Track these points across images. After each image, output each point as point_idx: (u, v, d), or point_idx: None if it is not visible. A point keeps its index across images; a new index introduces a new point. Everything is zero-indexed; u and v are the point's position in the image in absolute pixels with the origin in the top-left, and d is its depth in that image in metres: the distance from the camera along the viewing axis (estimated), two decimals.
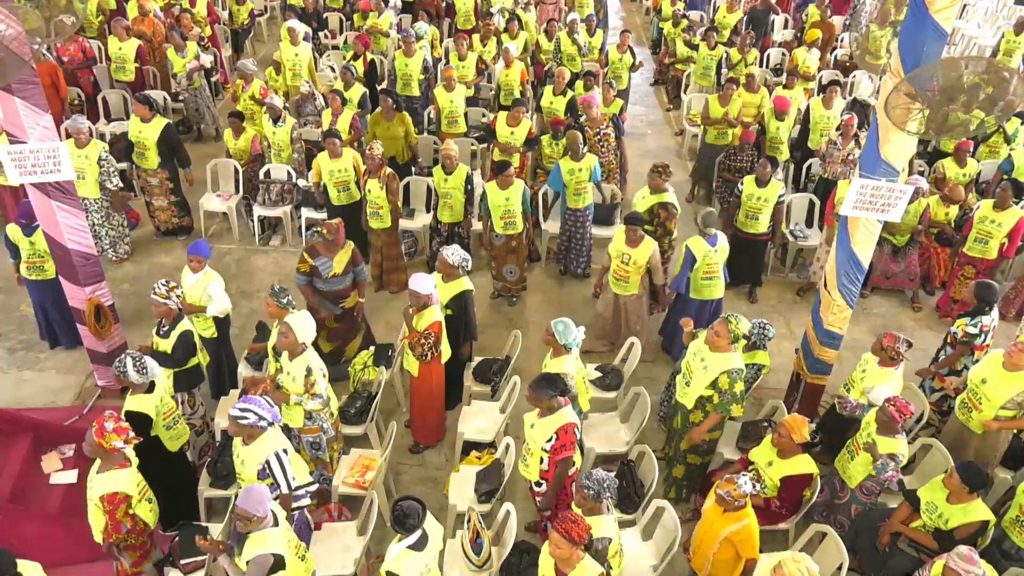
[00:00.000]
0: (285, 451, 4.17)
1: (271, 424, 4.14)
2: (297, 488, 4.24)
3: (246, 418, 4.04)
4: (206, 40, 10.34)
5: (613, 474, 3.99)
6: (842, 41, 11.77)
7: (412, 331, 5.22)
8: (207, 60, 9.50)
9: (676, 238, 6.87)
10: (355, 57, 9.43)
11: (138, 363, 4.46)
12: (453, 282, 5.53)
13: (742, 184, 7.02)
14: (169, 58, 9.46)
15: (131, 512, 4.10)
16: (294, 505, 4.26)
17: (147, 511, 4.22)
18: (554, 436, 4.33)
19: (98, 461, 4.10)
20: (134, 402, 4.51)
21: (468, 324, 5.63)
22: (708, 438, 5.08)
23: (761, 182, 6.86)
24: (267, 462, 4.08)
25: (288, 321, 4.62)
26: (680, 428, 5.16)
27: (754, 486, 4.06)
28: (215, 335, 5.69)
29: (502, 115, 7.94)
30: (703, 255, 5.97)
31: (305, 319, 4.70)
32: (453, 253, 5.48)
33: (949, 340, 5.72)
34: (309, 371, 4.62)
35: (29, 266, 6.09)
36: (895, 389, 4.93)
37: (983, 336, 5.52)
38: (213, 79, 10.16)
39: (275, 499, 4.12)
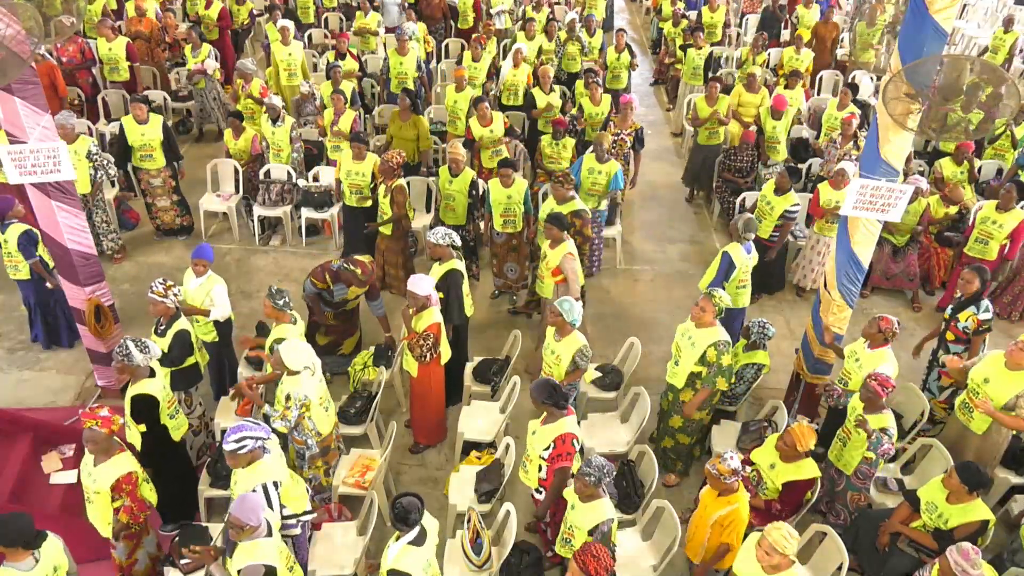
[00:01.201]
0: (276, 484, 4.08)
1: (267, 441, 4.07)
2: (288, 517, 4.18)
3: (244, 446, 3.96)
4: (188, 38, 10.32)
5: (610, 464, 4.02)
6: (842, 41, 11.77)
7: (411, 332, 5.23)
8: (211, 66, 9.50)
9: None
10: (341, 56, 9.44)
11: (140, 344, 4.47)
12: (444, 263, 5.60)
13: (764, 188, 7.04)
14: (185, 55, 9.52)
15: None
16: (283, 533, 4.20)
17: (148, 491, 4.28)
18: (551, 444, 4.34)
19: (90, 457, 4.11)
20: (139, 387, 4.52)
21: (450, 304, 5.59)
22: (698, 418, 5.16)
23: (779, 190, 6.87)
24: (254, 491, 3.99)
25: (280, 350, 4.53)
26: (668, 409, 5.27)
27: (743, 467, 4.08)
28: (216, 339, 5.69)
29: (472, 121, 7.89)
30: (742, 262, 5.88)
31: (297, 350, 4.58)
32: (434, 232, 5.59)
33: (954, 337, 5.62)
34: (288, 397, 4.54)
35: (7, 264, 6.11)
36: (894, 367, 4.95)
37: (993, 317, 5.53)
38: (215, 80, 10.17)
39: None
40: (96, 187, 7.20)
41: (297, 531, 4.32)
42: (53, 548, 3.75)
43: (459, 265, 5.63)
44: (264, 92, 8.51)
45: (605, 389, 5.75)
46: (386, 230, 6.95)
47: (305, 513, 4.31)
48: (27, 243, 5.90)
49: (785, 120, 8.32)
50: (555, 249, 5.90)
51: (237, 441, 3.95)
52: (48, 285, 6.08)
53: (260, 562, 3.59)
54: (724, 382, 4.98)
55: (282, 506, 4.12)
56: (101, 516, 4.17)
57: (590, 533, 3.93)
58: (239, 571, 3.59)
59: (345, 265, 5.73)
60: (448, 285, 5.56)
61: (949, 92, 3.84)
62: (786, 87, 8.95)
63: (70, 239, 5.40)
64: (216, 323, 5.62)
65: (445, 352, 5.41)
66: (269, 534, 3.71)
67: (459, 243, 5.71)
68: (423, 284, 5.13)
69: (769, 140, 8.38)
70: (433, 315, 5.17)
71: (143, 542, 4.43)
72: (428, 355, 5.18)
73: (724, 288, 5.91)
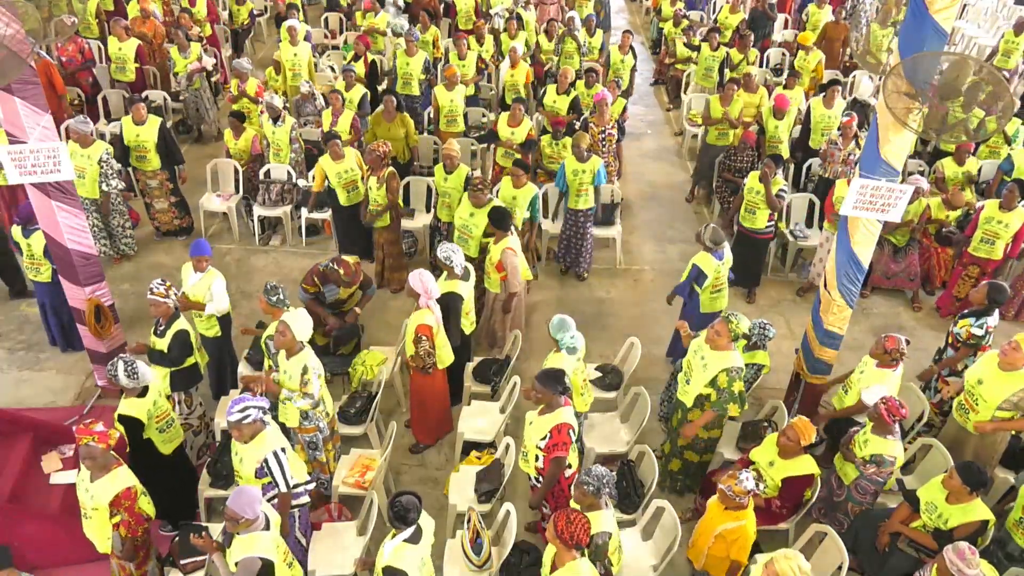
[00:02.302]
0: (283, 449, 4.16)
1: (267, 412, 4.13)
2: (295, 487, 4.24)
3: (248, 416, 4.01)
4: (205, 41, 10.34)
5: (613, 473, 4.00)
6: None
7: (408, 358, 5.25)
8: (209, 62, 9.50)
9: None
10: (356, 58, 9.44)
11: (129, 368, 4.46)
12: (448, 281, 5.58)
13: (748, 179, 7.04)
14: (172, 57, 9.46)
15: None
16: (293, 503, 4.26)
17: (147, 503, 4.26)
18: (548, 434, 4.34)
19: (87, 472, 4.10)
20: (126, 406, 4.53)
21: (449, 327, 5.54)
22: (706, 436, 5.10)
23: (764, 179, 6.86)
24: (265, 460, 4.08)
25: (285, 320, 4.62)
26: (678, 426, 5.21)
27: (757, 484, 4.06)
28: (219, 334, 5.70)
29: (503, 116, 8.00)
30: (713, 270, 5.86)
31: (302, 317, 4.70)
32: (441, 250, 5.57)
33: (951, 341, 5.70)
34: (305, 370, 4.62)
35: (28, 266, 6.12)
36: (892, 390, 4.93)
37: (988, 337, 5.52)
38: (213, 79, 10.18)
39: (272, 498, 4.12)
40: (106, 196, 7.21)
41: (306, 499, 4.36)
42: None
43: (461, 288, 5.58)
44: (260, 91, 8.50)
45: (605, 389, 5.75)
46: (384, 221, 6.95)
47: (308, 482, 4.35)
48: None
49: (787, 120, 8.31)
50: (497, 244, 5.97)
51: (241, 411, 3.99)
52: None
53: (257, 555, 3.60)
54: (736, 408, 4.91)
55: (292, 474, 4.17)
56: (99, 532, 4.15)
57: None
58: (236, 563, 3.60)
59: (331, 265, 5.74)
60: (447, 306, 5.53)
61: (947, 92, 3.84)
62: (785, 87, 8.95)
63: (70, 239, 5.40)
64: (220, 318, 5.62)
65: (446, 356, 5.40)
66: (267, 528, 3.72)
67: (458, 259, 5.63)
68: (416, 279, 5.15)
69: (771, 140, 8.37)
70: (425, 316, 5.16)
71: (151, 553, 4.43)
72: (428, 360, 5.18)
73: (700, 293, 5.96)
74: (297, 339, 4.62)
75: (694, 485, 5.41)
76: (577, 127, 8.75)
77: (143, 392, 4.56)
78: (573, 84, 9.04)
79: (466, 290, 5.65)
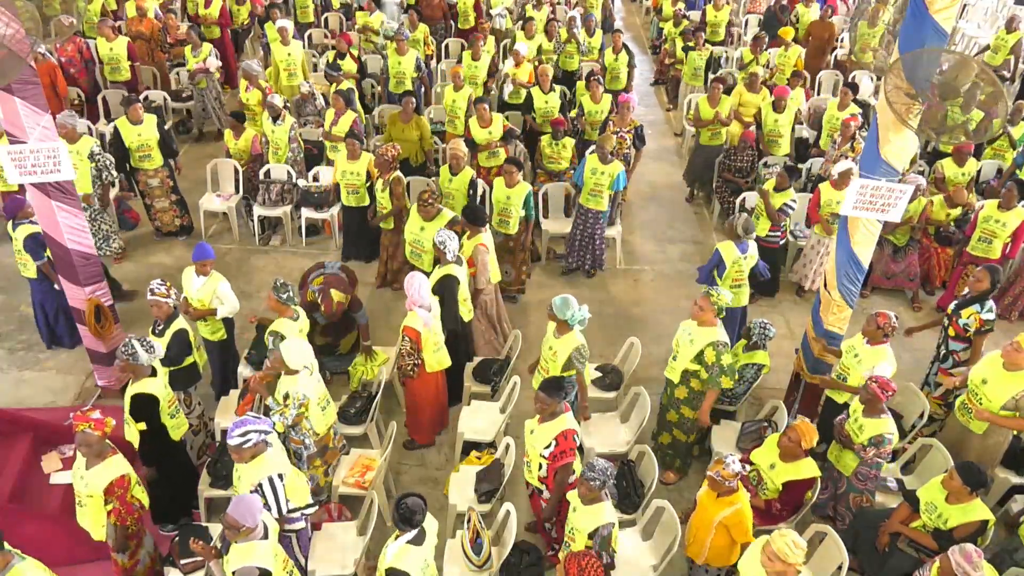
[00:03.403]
0: (281, 476, 4.08)
1: (269, 433, 4.09)
2: (292, 511, 4.17)
3: (249, 440, 3.96)
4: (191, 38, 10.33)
5: (612, 465, 4.02)
6: (842, 41, 11.77)
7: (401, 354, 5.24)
8: (214, 65, 9.50)
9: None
10: (340, 56, 9.45)
11: (145, 344, 4.48)
12: (443, 267, 5.60)
13: (765, 184, 7.05)
14: (185, 56, 9.52)
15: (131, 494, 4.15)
16: (287, 527, 4.22)
17: (141, 492, 4.27)
18: (553, 442, 4.32)
19: (82, 461, 4.11)
20: (140, 385, 4.51)
21: (446, 311, 5.54)
22: (692, 416, 5.17)
23: (778, 188, 6.89)
24: (260, 485, 4.01)
25: (281, 349, 4.53)
26: (666, 402, 5.30)
27: (743, 467, 4.08)
28: (224, 337, 5.69)
29: (472, 121, 7.92)
30: (732, 260, 5.87)
31: (297, 349, 4.57)
32: (438, 236, 5.60)
33: (954, 333, 5.62)
34: (287, 396, 4.53)
35: (18, 261, 6.14)
36: (892, 364, 4.96)
37: (995, 318, 5.51)
38: (215, 79, 10.19)
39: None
40: (106, 188, 7.19)
41: (302, 524, 4.32)
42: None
43: (456, 271, 5.59)
44: (269, 90, 8.49)
45: (605, 389, 5.75)
46: (388, 225, 6.95)
47: (308, 507, 4.30)
48: (34, 245, 5.87)
49: (787, 115, 8.29)
50: (470, 240, 6.02)
51: (242, 435, 3.95)
52: (56, 287, 6.07)
53: (254, 564, 3.57)
54: (728, 380, 4.98)
55: (287, 499, 4.13)
56: (94, 520, 4.15)
57: (590, 536, 3.93)
58: (233, 572, 3.58)
59: (317, 296, 5.72)
60: (444, 290, 5.53)
61: (946, 91, 3.84)
62: (788, 86, 8.93)
63: (70, 239, 5.40)
64: (225, 321, 5.62)
65: (439, 361, 5.36)
66: (265, 536, 3.70)
67: (453, 246, 5.64)
68: (408, 280, 5.16)
69: (770, 134, 8.36)
70: (412, 319, 5.13)
71: (143, 542, 4.43)
72: (412, 370, 5.16)
73: (720, 285, 5.93)
74: (290, 368, 4.52)
75: (683, 465, 5.50)
76: (580, 128, 8.74)
77: (153, 373, 4.57)
78: (566, 82, 9.03)
79: (462, 275, 5.66)
